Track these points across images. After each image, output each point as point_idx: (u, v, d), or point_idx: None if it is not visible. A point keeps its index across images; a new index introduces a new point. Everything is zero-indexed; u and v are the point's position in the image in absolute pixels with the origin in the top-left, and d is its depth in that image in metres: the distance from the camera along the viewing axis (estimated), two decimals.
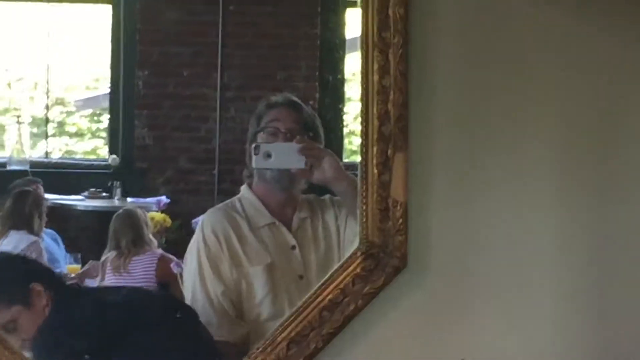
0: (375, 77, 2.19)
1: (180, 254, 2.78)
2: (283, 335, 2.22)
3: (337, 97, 3.08)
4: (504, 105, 2.28)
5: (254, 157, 2.56)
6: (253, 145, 2.56)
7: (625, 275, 2.30)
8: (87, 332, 2.37)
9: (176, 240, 3.06)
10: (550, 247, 2.28)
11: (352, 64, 2.99)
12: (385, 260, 2.22)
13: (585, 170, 2.29)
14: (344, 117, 3.04)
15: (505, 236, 2.27)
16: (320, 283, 2.24)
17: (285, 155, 2.54)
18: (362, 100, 2.22)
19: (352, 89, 3.02)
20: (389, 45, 2.19)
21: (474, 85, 2.27)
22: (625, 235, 2.30)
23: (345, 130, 3.04)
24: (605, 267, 2.30)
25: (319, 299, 2.22)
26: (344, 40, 3.06)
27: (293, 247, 2.67)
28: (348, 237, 2.55)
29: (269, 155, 2.54)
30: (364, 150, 2.21)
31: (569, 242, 2.28)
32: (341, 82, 3.10)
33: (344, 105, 3.05)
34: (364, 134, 2.21)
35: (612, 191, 2.30)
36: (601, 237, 2.29)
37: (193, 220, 2.78)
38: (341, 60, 3.10)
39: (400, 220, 2.21)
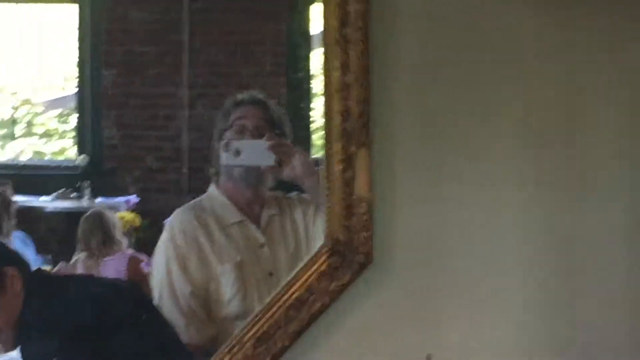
0: (337, 74, 2.18)
1: (151, 253, 2.78)
2: (249, 334, 2.21)
3: (304, 93, 3.08)
4: (468, 100, 2.27)
5: (223, 155, 2.56)
6: (223, 142, 2.57)
7: (594, 271, 2.30)
8: (58, 330, 2.35)
9: (147, 240, 3.05)
10: (517, 242, 2.27)
11: (319, 59, 2.99)
12: (351, 257, 2.21)
13: (552, 165, 2.28)
14: (312, 112, 3.03)
15: (470, 231, 2.26)
16: (285, 281, 2.24)
17: (255, 153, 2.55)
18: (324, 96, 2.21)
19: (320, 85, 3.01)
20: (349, 42, 2.18)
21: (437, 80, 2.26)
22: (594, 231, 2.29)
23: (314, 126, 3.04)
24: (574, 263, 2.30)
25: (285, 297, 2.22)
26: (310, 36, 3.05)
27: (262, 245, 2.67)
28: (317, 233, 2.55)
29: (238, 153, 2.54)
30: (327, 147, 2.21)
31: (536, 238, 2.28)
32: (308, 77, 3.09)
33: (311, 101, 3.05)
34: (327, 131, 2.20)
35: (579, 187, 2.29)
36: (568, 233, 2.29)
37: (165, 220, 2.77)
38: (307, 56, 3.09)
39: (365, 217, 2.20)
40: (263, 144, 2.55)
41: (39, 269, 2.72)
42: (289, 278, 2.24)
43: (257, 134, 2.63)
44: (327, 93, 2.20)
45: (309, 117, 3.03)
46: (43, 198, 3.29)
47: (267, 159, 2.54)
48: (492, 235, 2.26)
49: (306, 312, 2.21)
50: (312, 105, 3.04)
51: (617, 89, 2.29)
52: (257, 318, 2.23)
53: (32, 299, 2.41)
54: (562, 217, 2.29)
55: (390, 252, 2.24)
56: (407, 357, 2.20)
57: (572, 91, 2.29)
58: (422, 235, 2.26)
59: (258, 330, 2.22)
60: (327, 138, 2.20)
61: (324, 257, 2.21)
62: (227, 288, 2.60)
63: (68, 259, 3.09)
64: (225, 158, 2.57)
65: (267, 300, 2.27)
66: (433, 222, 2.26)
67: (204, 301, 2.60)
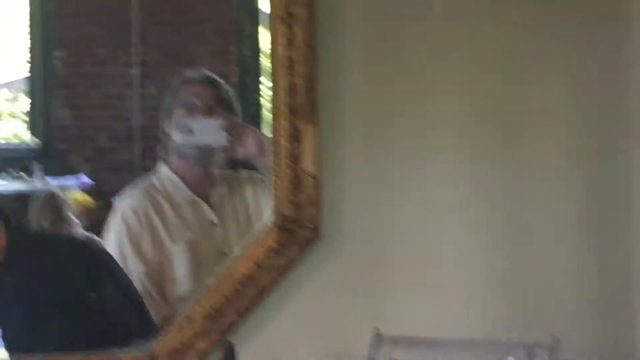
0: (283, 51, 2.19)
1: (103, 234, 2.77)
2: (199, 310, 2.22)
3: (254, 70, 3.06)
4: (414, 77, 2.29)
5: (176, 133, 2.55)
6: (176, 121, 2.56)
7: (533, 244, 2.33)
8: (37, 290, 2.30)
9: (99, 221, 3.03)
10: (462, 217, 2.30)
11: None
12: (299, 232, 2.23)
13: (494, 141, 2.31)
14: (262, 89, 3.02)
15: (416, 206, 2.28)
16: (233, 257, 2.25)
17: (208, 131, 2.54)
18: (271, 73, 2.22)
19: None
20: (295, 19, 2.19)
21: (383, 57, 2.28)
22: (532, 206, 2.33)
23: (265, 103, 3.03)
24: (516, 236, 2.32)
25: (234, 273, 2.23)
26: (258, 12, 3.04)
27: (214, 224, 2.66)
28: (268, 211, 2.55)
29: (191, 131, 2.53)
30: (274, 123, 2.22)
31: (482, 214, 2.30)
32: (257, 54, 3.08)
33: (260, 78, 3.04)
34: (274, 107, 2.21)
35: (519, 165, 2.33)
36: (511, 206, 2.32)
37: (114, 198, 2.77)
38: (256, 32, 3.08)
39: (313, 193, 2.22)
40: (216, 122, 2.55)
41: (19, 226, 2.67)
42: (236, 254, 2.25)
43: (208, 112, 2.63)
44: (274, 69, 2.21)
45: (258, 93, 3.01)
46: None
47: (220, 138, 2.54)
48: (438, 211, 2.29)
49: (254, 287, 2.22)
50: (262, 82, 3.03)
51: (565, 85, 2.32)
52: (206, 295, 2.24)
53: (14, 255, 2.35)
54: (510, 192, 2.32)
55: (338, 227, 2.26)
56: (354, 330, 2.21)
57: (521, 86, 2.31)
58: (369, 211, 2.28)
59: (207, 306, 2.22)
60: (274, 114, 2.22)
61: (272, 233, 2.22)
62: (180, 267, 2.59)
63: None
64: (178, 137, 2.56)
65: (216, 276, 2.28)
66: (380, 198, 2.28)
67: (158, 281, 2.59)
